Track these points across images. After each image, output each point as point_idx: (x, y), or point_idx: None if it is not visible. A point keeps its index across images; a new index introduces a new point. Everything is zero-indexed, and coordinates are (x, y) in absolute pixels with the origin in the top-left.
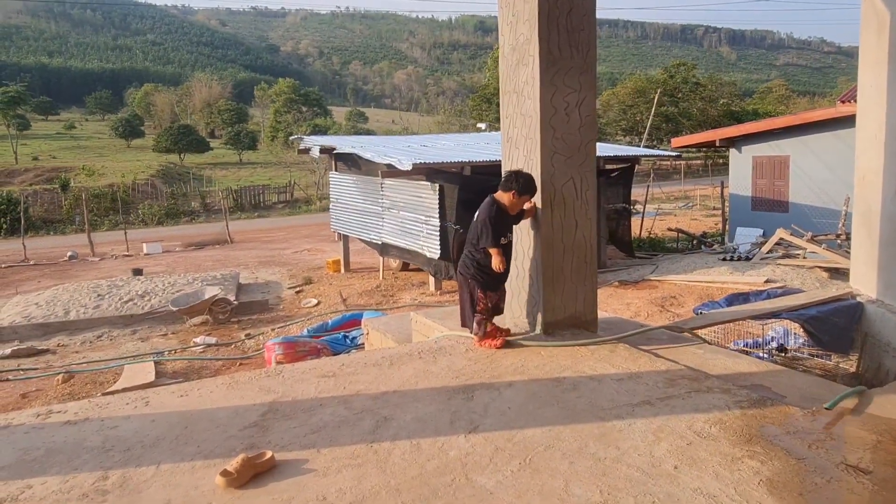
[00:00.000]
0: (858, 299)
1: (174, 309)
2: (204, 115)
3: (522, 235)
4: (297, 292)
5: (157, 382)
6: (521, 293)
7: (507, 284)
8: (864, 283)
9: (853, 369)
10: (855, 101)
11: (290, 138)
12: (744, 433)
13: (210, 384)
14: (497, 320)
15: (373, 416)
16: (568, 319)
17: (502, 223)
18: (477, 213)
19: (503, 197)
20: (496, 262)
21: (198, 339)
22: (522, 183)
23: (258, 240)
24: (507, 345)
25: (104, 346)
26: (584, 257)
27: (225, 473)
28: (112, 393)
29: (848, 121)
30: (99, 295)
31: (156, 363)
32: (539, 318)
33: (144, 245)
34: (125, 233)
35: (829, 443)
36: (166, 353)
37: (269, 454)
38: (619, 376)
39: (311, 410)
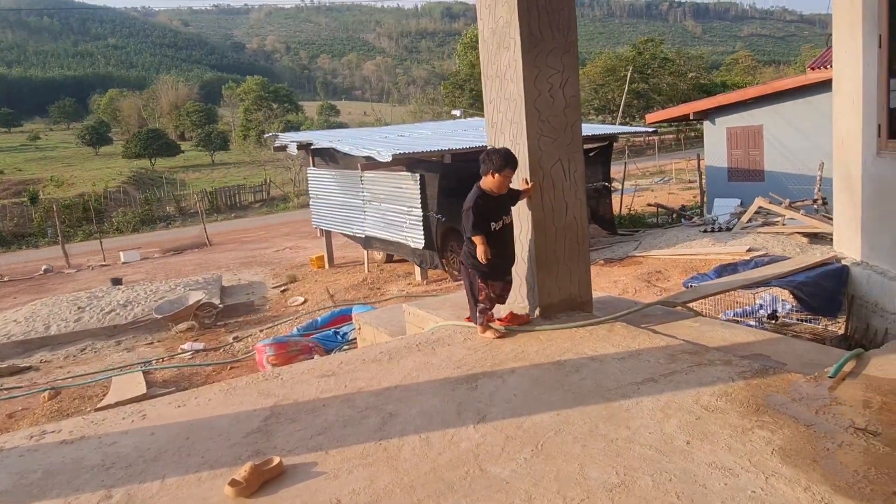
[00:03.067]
0: (844, 262)
1: (158, 316)
2: (172, 118)
3: (513, 220)
4: (283, 291)
5: (150, 394)
6: (514, 278)
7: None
8: (848, 247)
9: (841, 331)
10: (825, 67)
11: (265, 136)
12: (751, 404)
13: (207, 392)
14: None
15: (378, 413)
16: (563, 302)
17: (489, 208)
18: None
19: (486, 182)
20: (480, 252)
21: (185, 346)
22: (496, 159)
23: (238, 241)
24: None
25: (89, 359)
26: (576, 238)
27: (234, 483)
28: (105, 408)
29: (819, 87)
30: (79, 307)
31: (144, 373)
32: (535, 301)
33: (121, 253)
34: (100, 242)
35: (835, 407)
36: (154, 362)
37: (276, 460)
38: (621, 355)
39: (314, 412)
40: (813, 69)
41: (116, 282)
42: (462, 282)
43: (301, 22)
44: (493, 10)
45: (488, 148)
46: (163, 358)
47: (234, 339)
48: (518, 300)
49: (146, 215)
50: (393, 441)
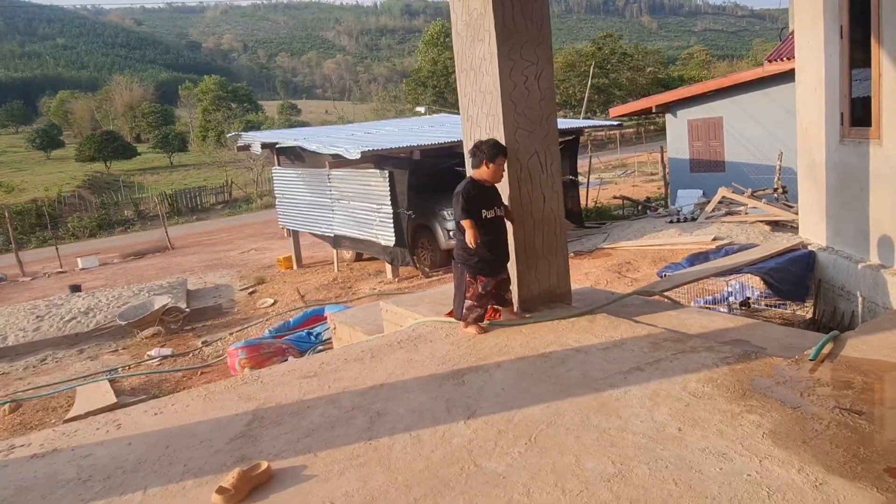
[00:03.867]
0: (810, 248)
1: (122, 323)
2: (127, 120)
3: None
4: (251, 293)
5: (120, 402)
6: None
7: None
8: (813, 232)
9: (809, 315)
10: (781, 59)
11: (228, 135)
12: (737, 389)
13: (184, 398)
14: None
15: (365, 413)
16: (543, 294)
17: (480, 197)
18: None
19: (479, 173)
20: (469, 237)
21: (152, 352)
22: (487, 150)
23: (201, 243)
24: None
25: (50, 369)
26: (553, 231)
27: (221, 490)
28: (75, 419)
29: (775, 79)
30: (37, 316)
31: (111, 381)
32: (515, 295)
33: (79, 260)
34: (56, 249)
35: (818, 389)
36: (120, 369)
37: (264, 465)
38: (605, 345)
39: (299, 414)
40: (770, 61)
41: (75, 289)
42: (454, 277)
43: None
44: (466, 3)
45: (474, 142)
46: (129, 365)
47: (203, 343)
48: None
49: (103, 220)
50: (383, 440)
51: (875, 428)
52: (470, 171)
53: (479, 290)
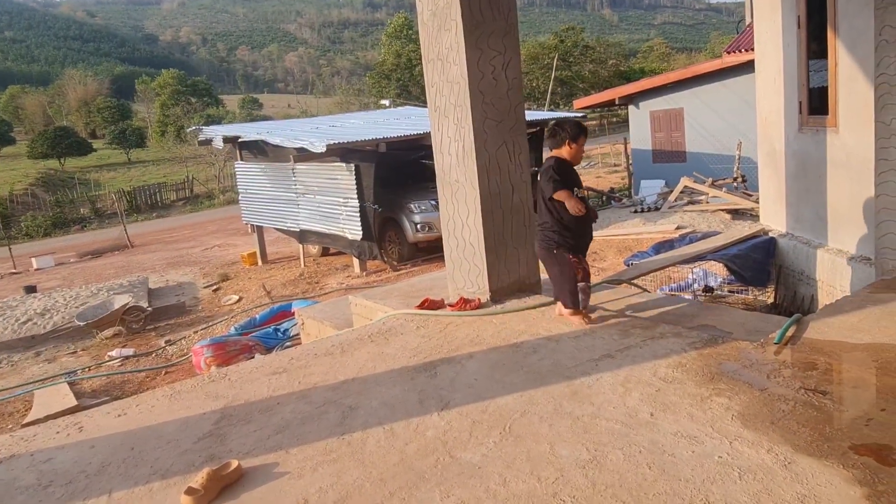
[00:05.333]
0: (771, 234)
1: (81, 324)
2: (82, 115)
3: (459, 204)
4: (215, 290)
5: (81, 405)
6: (463, 263)
7: (448, 256)
8: (774, 219)
9: (771, 300)
10: (739, 51)
11: (188, 130)
12: (705, 373)
13: (149, 398)
14: (442, 294)
15: (337, 408)
16: (513, 284)
17: (568, 175)
18: (541, 172)
19: (561, 152)
20: (572, 206)
21: (113, 353)
22: (570, 129)
23: (161, 241)
24: (457, 317)
25: (5, 372)
26: (522, 221)
27: (190, 491)
28: (34, 423)
29: (734, 70)
30: None
31: (70, 384)
32: (485, 286)
33: (34, 260)
34: (9, 249)
35: (784, 371)
36: (80, 371)
37: (235, 463)
38: (575, 334)
39: (269, 411)
40: (728, 53)
41: (31, 289)
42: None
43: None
44: None
45: (553, 122)
46: (89, 367)
47: (166, 342)
48: (468, 285)
49: (58, 218)
50: (356, 435)
51: (839, 407)
52: (549, 152)
53: (586, 267)
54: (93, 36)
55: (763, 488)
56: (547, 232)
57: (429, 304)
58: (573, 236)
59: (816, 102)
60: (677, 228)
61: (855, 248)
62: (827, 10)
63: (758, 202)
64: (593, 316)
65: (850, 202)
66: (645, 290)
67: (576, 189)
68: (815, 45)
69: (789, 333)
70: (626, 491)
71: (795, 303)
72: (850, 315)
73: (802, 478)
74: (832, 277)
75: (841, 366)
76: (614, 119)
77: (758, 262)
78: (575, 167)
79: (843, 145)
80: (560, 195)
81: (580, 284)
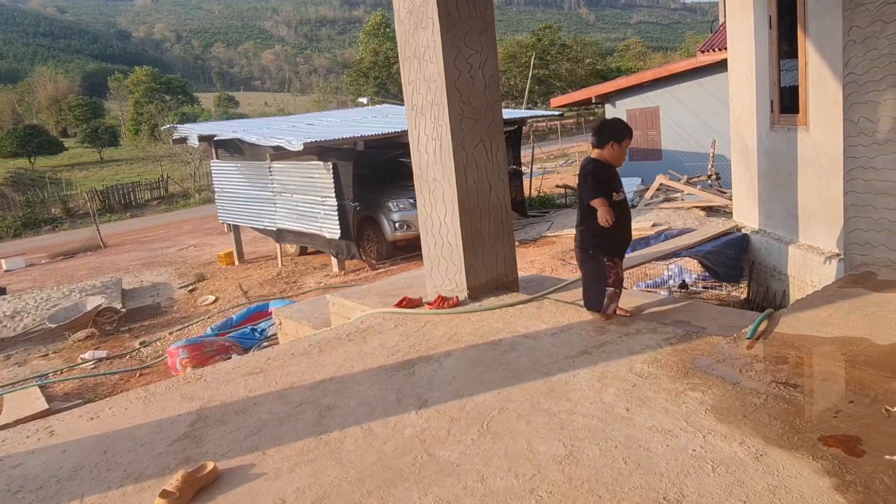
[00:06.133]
0: (743, 231)
1: (52, 326)
2: (52, 113)
3: (437, 203)
4: (191, 291)
5: (53, 409)
6: (440, 261)
7: (426, 254)
8: (746, 216)
9: (744, 296)
10: (713, 50)
11: (163, 128)
12: (680, 368)
13: (122, 401)
14: (420, 292)
15: (314, 408)
16: (491, 282)
17: (607, 177)
18: (580, 175)
19: (602, 153)
20: (603, 214)
21: (86, 355)
22: (614, 129)
23: (135, 241)
24: (435, 315)
25: None
26: (500, 219)
27: (165, 494)
28: (2, 428)
29: (708, 70)
30: None
31: (41, 388)
32: (463, 284)
33: (3, 261)
34: None
35: (756, 365)
36: (51, 374)
37: (210, 465)
38: (553, 331)
39: (245, 411)
40: (703, 52)
41: (0, 291)
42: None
43: (191, 9)
44: None
45: (600, 121)
46: (61, 370)
47: (140, 344)
48: (446, 283)
49: (29, 218)
50: (334, 434)
51: (809, 399)
52: (593, 153)
53: (619, 272)
54: (63, 32)
55: (735, 480)
56: (584, 234)
57: (407, 303)
58: (609, 239)
59: (787, 101)
60: (653, 226)
61: (825, 245)
62: (797, 11)
63: (731, 199)
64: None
65: (820, 199)
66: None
67: (614, 194)
68: (786, 44)
69: (761, 328)
70: (603, 485)
71: (768, 298)
72: (820, 310)
73: (773, 469)
74: (803, 273)
75: (811, 359)
76: (591, 118)
77: (731, 258)
78: (617, 166)
79: (812, 143)
80: (596, 203)
81: (609, 290)
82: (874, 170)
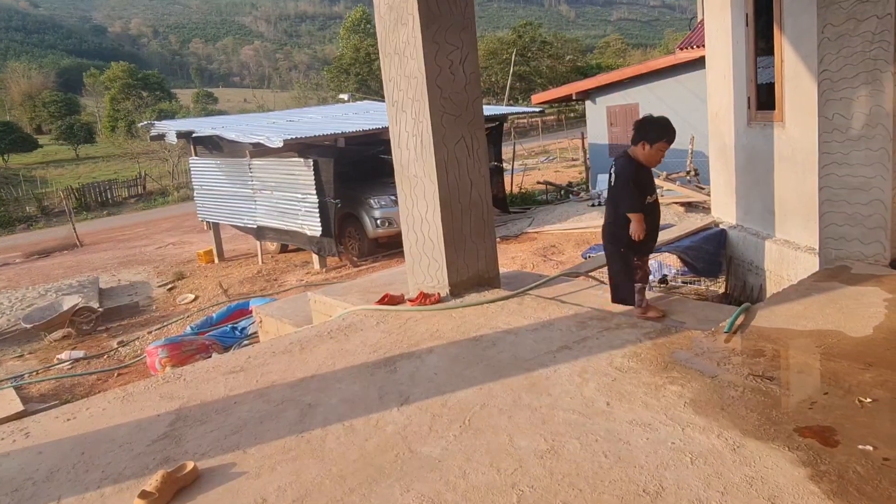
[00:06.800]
0: (721, 226)
1: (28, 326)
2: (26, 110)
3: (418, 199)
4: (170, 289)
5: (29, 410)
6: (422, 258)
7: (407, 251)
8: (724, 211)
9: (722, 290)
10: (691, 47)
11: (140, 125)
12: (659, 362)
13: (100, 401)
14: (402, 289)
15: (296, 406)
16: (472, 279)
17: (643, 180)
18: (615, 173)
19: (637, 151)
20: (635, 229)
21: (63, 356)
22: (651, 130)
23: (113, 239)
24: (417, 312)
25: None
26: (481, 215)
27: (144, 495)
28: None
29: (687, 66)
30: None
31: (16, 389)
32: (445, 280)
33: None
34: None
35: (733, 358)
36: (27, 375)
37: (190, 465)
38: (534, 327)
39: (225, 410)
40: (682, 49)
41: None
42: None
43: (169, 4)
44: None
45: (644, 117)
46: (37, 371)
47: (119, 343)
48: (427, 279)
49: (2, 217)
50: (315, 432)
51: (784, 392)
52: (630, 149)
53: (647, 269)
54: (37, 27)
55: (713, 472)
56: (617, 231)
57: (389, 300)
58: (641, 240)
59: (764, 98)
60: None
61: (801, 239)
62: (774, 9)
63: (710, 195)
64: (654, 314)
65: (796, 194)
66: (602, 282)
67: (648, 196)
68: (762, 42)
69: (738, 322)
70: (583, 479)
71: (745, 292)
72: (796, 303)
73: (750, 460)
74: (780, 267)
75: (787, 352)
76: (572, 114)
77: (710, 253)
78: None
79: (788, 139)
80: (633, 217)
81: (637, 285)
82: (848, 165)
